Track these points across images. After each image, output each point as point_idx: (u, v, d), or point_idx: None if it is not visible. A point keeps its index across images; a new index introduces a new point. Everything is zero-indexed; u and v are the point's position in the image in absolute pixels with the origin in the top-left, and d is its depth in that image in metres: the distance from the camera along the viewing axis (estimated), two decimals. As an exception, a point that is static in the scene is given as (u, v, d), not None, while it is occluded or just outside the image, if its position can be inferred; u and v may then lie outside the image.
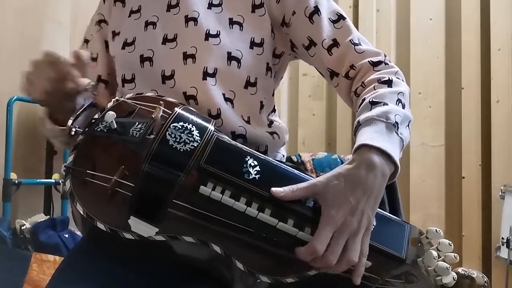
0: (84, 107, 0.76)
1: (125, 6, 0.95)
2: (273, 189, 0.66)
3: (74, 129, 0.73)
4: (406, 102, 0.78)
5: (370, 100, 0.76)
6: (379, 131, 0.71)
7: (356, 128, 0.74)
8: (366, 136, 0.70)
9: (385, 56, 0.85)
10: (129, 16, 0.93)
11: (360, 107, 0.77)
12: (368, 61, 0.82)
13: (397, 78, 0.81)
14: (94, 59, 0.98)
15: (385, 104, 0.74)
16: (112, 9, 0.96)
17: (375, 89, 0.78)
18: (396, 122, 0.72)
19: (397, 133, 0.72)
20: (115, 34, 0.93)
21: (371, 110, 0.74)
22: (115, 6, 0.96)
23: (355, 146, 0.70)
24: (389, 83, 0.79)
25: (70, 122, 0.74)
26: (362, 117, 0.74)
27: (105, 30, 0.99)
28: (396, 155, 0.70)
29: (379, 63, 0.83)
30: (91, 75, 0.98)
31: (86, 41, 1.01)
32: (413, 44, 2.69)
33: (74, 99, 0.75)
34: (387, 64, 0.83)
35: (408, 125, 0.76)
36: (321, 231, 0.64)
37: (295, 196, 0.66)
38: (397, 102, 0.76)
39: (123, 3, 0.95)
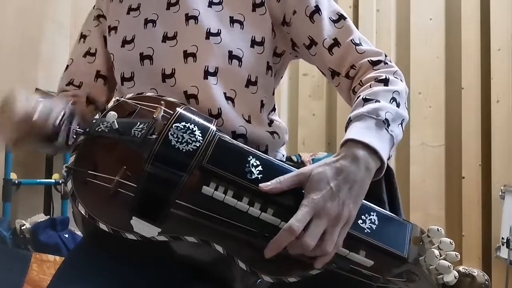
0: (63, 120, 0.73)
1: (122, 1, 0.94)
2: (261, 184, 0.66)
3: (75, 130, 0.73)
4: (401, 101, 0.78)
5: (364, 97, 0.76)
6: (368, 127, 0.72)
7: (347, 124, 0.74)
8: (354, 131, 0.71)
9: (385, 56, 0.85)
10: (128, 13, 0.92)
11: (354, 104, 0.78)
12: (368, 60, 0.83)
13: (395, 77, 0.81)
14: (92, 54, 0.98)
15: (377, 101, 0.75)
16: (110, 4, 0.96)
17: (371, 87, 0.79)
18: (386, 119, 0.73)
19: (387, 130, 0.72)
20: (111, 29, 0.93)
21: (363, 106, 0.75)
22: (112, 1, 0.96)
23: (342, 141, 0.71)
24: (385, 81, 0.79)
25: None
26: (353, 113, 0.75)
27: (104, 25, 0.98)
28: (383, 150, 0.70)
29: (378, 62, 0.83)
30: (86, 71, 0.98)
31: (84, 36, 1.00)
32: (413, 44, 2.69)
33: (49, 138, 0.72)
34: (387, 63, 0.84)
35: (401, 124, 0.76)
36: (299, 212, 0.64)
37: (282, 187, 0.66)
38: (391, 100, 0.76)
39: None
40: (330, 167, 0.67)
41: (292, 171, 0.70)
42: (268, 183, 0.67)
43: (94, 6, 1.01)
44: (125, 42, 0.90)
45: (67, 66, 1.01)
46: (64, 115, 0.74)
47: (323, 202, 0.64)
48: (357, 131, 0.71)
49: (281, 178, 0.67)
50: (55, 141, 0.72)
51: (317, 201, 0.64)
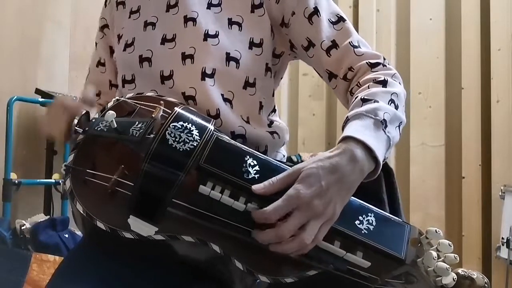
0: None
1: (125, 7, 0.95)
2: (253, 187, 0.66)
3: (74, 129, 0.73)
4: (399, 104, 0.78)
5: (362, 97, 0.76)
6: (366, 126, 0.71)
7: (345, 123, 0.74)
8: (353, 129, 0.70)
9: (384, 59, 0.85)
10: (129, 17, 0.93)
11: (352, 104, 0.77)
12: (366, 62, 0.83)
13: (393, 79, 0.81)
14: (103, 64, 1.01)
15: (375, 101, 0.75)
16: (115, 13, 0.97)
17: (369, 88, 0.78)
18: (384, 120, 0.72)
19: (384, 131, 0.72)
20: (119, 37, 0.94)
21: (361, 106, 0.75)
22: (118, 10, 0.96)
23: (340, 138, 0.70)
24: (384, 83, 0.79)
25: (74, 122, 0.75)
26: (351, 112, 0.74)
27: (108, 36, 1.00)
28: (380, 151, 0.69)
29: (377, 64, 0.83)
30: (101, 80, 1.01)
31: (96, 44, 1.04)
32: (413, 44, 2.69)
33: None
34: (385, 66, 0.83)
35: (398, 126, 0.76)
36: (281, 202, 0.63)
37: (276, 188, 0.66)
38: (390, 102, 0.76)
39: (124, 5, 0.96)
40: (324, 164, 0.66)
41: None
42: (261, 184, 0.66)
43: (100, 15, 1.03)
44: (126, 46, 0.90)
45: (88, 75, 1.05)
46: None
47: (310, 198, 0.63)
48: (355, 129, 0.70)
49: (274, 179, 0.66)
50: None
51: (304, 195, 0.63)
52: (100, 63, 1.02)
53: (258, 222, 0.64)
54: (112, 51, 0.99)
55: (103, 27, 1.01)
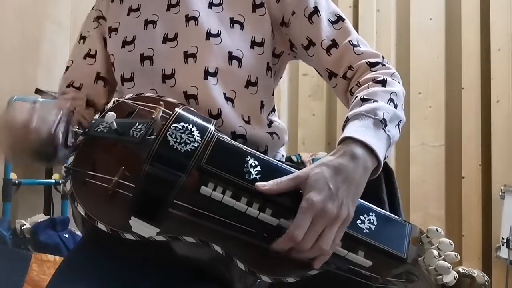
0: (59, 123, 0.72)
1: (122, 3, 0.95)
2: (257, 183, 0.66)
3: (74, 130, 0.73)
4: (398, 103, 0.79)
5: (361, 97, 0.77)
6: (366, 126, 0.72)
7: (345, 123, 0.75)
8: (352, 129, 0.71)
9: (383, 58, 0.85)
10: (128, 14, 0.93)
11: (352, 104, 0.78)
12: (366, 61, 0.83)
13: (392, 79, 0.82)
14: (92, 56, 0.98)
15: (375, 101, 0.76)
16: (110, 5, 0.96)
17: (368, 88, 0.79)
18: (384, 119, 0.73)
19: (384, 130, 0.73)
20: (111, 30, 0.93)
21: (361, 106, 0.75)
22: (113, 2, 0.96)
23: (339, 139, 0.71)
24: (383, 82, 0.80)
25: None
26: (351, 112, 0.75)
27: (104, 27, 0.98)
28: (380, 150, 0.70)
29: (376, 64, 0.83)
30: (86, 72, 0.97)
31: (83, 37, 1.00)
32: (413, 44, 2.68)
33: (48, 143, 0.71)
34: (384, 65, 0.84)
35: (398, 125, 0.77)
36: (300, 217, 0.64)
37: (279, 189, 0.66)
38: (389, 101, 0.77)
39: (121, 0, 0.95)
40: (328, 167, 0.67)
41: (291, 171, 0.70)
42: (265, 183, 0.66)
43: (94, 7, 1.01)
44: (125, 43, 0.90)
45: (67, 67, 1.01)
46: (61, 118, 0.73)
47: (323, 203, 0.64)
48: (355, 129, 0.71)
49: (278, 180, 0.67)
50: (54, 146, 0.71)
51: (317, 202, 0.64)
52: (89, 55, 0.98)
53: (288, 244, 0.65)
54: (106, 41, 0.97)
55: (98, 17, 0.98)
